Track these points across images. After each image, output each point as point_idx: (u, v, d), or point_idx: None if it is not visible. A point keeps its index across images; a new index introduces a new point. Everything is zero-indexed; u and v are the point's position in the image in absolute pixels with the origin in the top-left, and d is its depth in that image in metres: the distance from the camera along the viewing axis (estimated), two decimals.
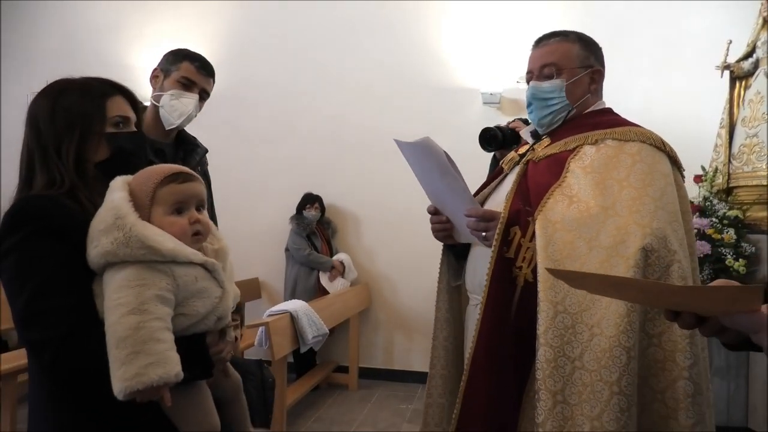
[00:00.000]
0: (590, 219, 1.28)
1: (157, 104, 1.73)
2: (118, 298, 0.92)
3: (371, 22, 4.70)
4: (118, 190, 1.00)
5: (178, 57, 1.77)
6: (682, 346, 1.22)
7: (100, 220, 0.97)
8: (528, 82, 1.51)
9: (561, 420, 1.17)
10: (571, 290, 1.22)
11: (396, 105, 4.62)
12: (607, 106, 1.57)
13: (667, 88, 4.19)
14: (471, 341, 1.42)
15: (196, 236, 1.03)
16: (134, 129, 1.12)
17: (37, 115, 1.06)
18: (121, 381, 0.88)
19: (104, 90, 1.10)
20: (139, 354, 0.89)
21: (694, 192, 3.59)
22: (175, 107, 1.72)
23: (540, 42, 1.51)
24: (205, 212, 1.07)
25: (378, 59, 4.69)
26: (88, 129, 1.05)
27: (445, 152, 1.37)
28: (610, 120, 1.48)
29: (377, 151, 4.55)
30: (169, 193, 1.01)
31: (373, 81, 4.69)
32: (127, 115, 1.11)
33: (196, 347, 1.00)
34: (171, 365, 0.91)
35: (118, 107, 1.10)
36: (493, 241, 1.35)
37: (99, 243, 0.95)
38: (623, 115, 1.54)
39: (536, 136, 1.56)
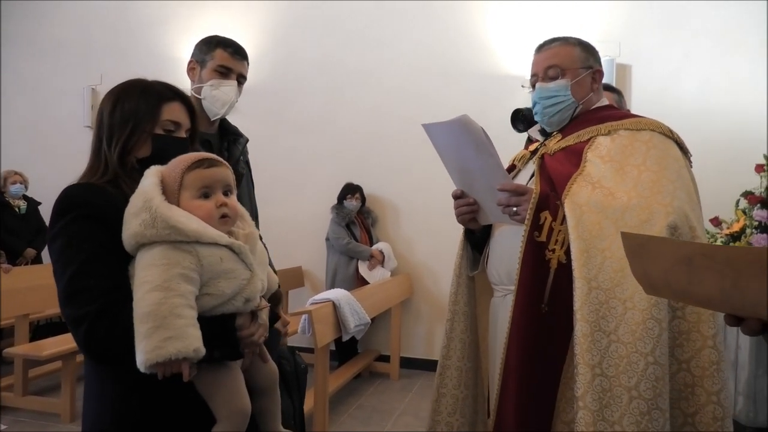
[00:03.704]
0: (614, 201, 1.35)
1: (198, 96, 1.74)
2: (145, 276, 0.97)
3: (414, 11, 4.65)
4: (149, 176, 1.06)
5: (210, 45, 1.77)
6: (706, 317, 1.28)
7: (133, 204, 1.03)
8: (533, 85, 1.59)
9: (600, 392, 1.23)
10: (604, 267, 1.29)
11: (438, 93, 4.56)
12: (606, 102, 1.65)
13: (726, 74, 3.95)
14: (502, 333, 1.44)
15: (223, 219, 1.06)
16: (183, 135, 1.19)
17: (103, 111, 1.15)
18: (142, 353, 0.92)
19: (163, 94, 1.16)
20: (159, 328, 0.93)
21: (755, 182, 3.39)
22: (217, 97, 1.73)
23: (542, 47, 1.59)
24: (234, 197, 1.10)
25: (420, 48, 4.63)
26: (138, 127, 1.13)
27: (482, 128, 1.41)
28: (617, 113, 1.57)
29: (418, 140, 4.47)
30: (195, 178, 1.05)
31: (416, 70, 4.65)
32: (180, 121, 1.17)
33: (225, 327, 1.03)
34: (190, 340, 0.94)
35: (172, 112, 1.16)
36: (525, 215, 1.39)
37: (130, 225, 1.00)
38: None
39: (544, 134, 1.64)
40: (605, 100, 1.64)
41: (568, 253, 1.34)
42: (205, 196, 1.06)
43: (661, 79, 4.03)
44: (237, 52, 1.78)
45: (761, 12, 3.86)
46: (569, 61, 1.54)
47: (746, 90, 3.89)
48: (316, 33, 4.89)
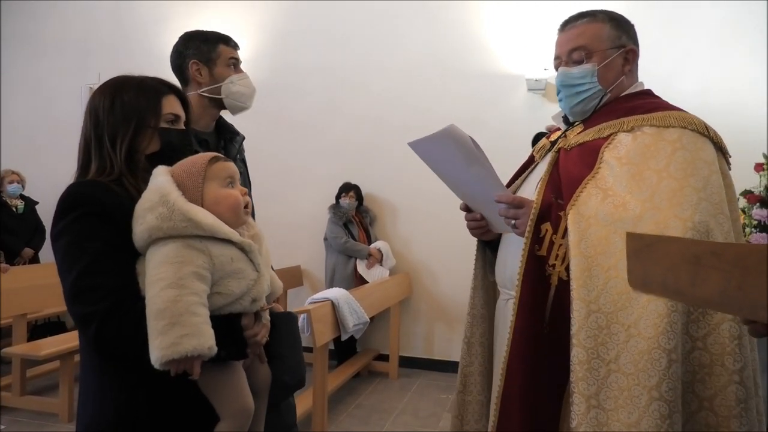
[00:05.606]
0: (626, 213, 1.19)
1: (218, 96, 1.73)
2: (158, 273, 0.97)
3: (414, 9, 4.64)
4: (161, 174, 1.07)
5: (210, 43, 1.76)
6: (731, 349, 1.13)
7: (146, 199, 1.03)
8: (556, 68, 1.43)
9: (596, 425, 1.10)
10: (606, 288, 1.16)
11: (438, 93, 4.56)
12: (645, 87, 1.45)
13: (726, 72, 3.95)
14: (503, 338, 1.37)
15: (245, 209, 1.09)
16: (183, 127, 1.20)
17: (97, 107, 1.14)
18: (158, 350, 0.93)
19: (160, 89, 1.17)
20: (175, 325, 0.93)
21: (754, 181, 3.39)
22: (242, 92, 1.75)
23: (567, 24, 1.43)
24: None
25: (420, 47, 4.63)
26: (142, 123, 1.12)
27: (470, 137, 1.30)
28: (647, 104, 1.37)
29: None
30: (220, 169, 1.09)
31: (415, 69, 4.64)
32: (179, 113, 1.19)
33: (232, 326, 1.03)
34: (205, 338, 0.95)
35: (171, 106, 1.17)
36: (524, 229, 1.29)
37: (144, 220, 1.00)
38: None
39: (568, 122, 1.49)
40: (642, 83, 1.45)
41: (569, 269, 1.22)
42: (230, 186, 1.09)
43: (661, 79, 4.02)
44: (234, 42, 1.81)
45: (761, 12, 3.86)
46: (597, 42, 1.36)
47: (746, 90, 3.88)
48: (315, 33, 4.87)
